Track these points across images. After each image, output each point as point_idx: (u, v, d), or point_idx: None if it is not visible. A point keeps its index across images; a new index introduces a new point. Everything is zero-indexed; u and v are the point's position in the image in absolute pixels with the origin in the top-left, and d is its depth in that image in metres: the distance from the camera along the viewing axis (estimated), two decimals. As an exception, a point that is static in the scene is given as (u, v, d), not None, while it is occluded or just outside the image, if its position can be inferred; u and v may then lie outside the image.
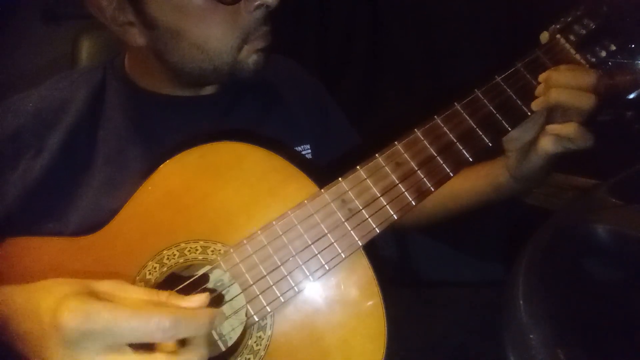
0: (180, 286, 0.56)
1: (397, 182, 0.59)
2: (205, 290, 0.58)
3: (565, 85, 0.62)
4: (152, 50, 0.68)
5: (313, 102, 0.87)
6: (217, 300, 0.57)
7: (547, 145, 0.65)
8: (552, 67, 0.65)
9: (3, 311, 0.47)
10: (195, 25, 0.64)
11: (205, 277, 0.58)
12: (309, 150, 0.81)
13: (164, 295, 0.47)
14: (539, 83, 0.65)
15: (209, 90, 0.77)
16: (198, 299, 0.47)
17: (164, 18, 0.63)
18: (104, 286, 0.47)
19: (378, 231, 0.58)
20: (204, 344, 0.47)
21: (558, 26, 0.70)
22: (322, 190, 0.58)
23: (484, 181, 0.76)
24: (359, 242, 0.57)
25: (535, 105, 0.64)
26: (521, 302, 0.55)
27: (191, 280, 0.57)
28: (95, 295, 0.45)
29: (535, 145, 0.66)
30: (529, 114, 0.65)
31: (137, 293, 0.46)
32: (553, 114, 0.65)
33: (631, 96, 0.68)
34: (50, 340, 0.43)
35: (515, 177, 0.72)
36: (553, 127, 0.63)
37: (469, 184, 0.78)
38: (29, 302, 0.46)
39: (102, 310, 0.42)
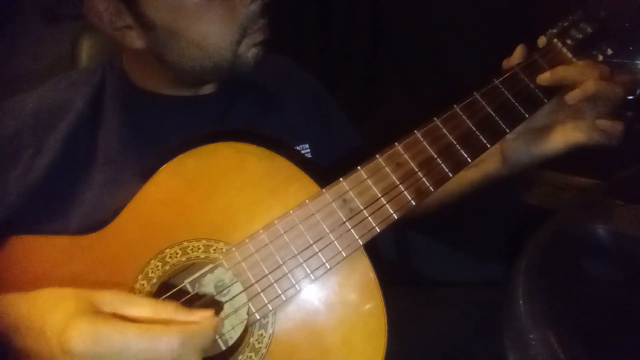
0: (173, 290, 0.56)
1: (397, 182, 0.59)
2: (202, 295, 0.58)
3: (598, 77, 0.63)
4: (151, 52, 0.68)
5: (311, 101, 0.88)
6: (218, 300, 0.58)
7: (589, 136, 0.65)
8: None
9: (4, 322, 0.47)
10: (193, 23, 0.64)
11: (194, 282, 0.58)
12: (308, 150, 0.82)
13: (171, 308, 0.46)
14: (537, 86, 0.67)
15: (207, 89, 0.77)
16: (204, 314, 0.47)
17: (162, 18, 0.64)
18: (107, 298, 0.46)
19: (378, 230, 0.58)
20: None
21: (555, 30, 0.71)
22: (324, 190, 0.58)
23: (474, 170, 0.77)
24: (359, 241, 0.57)
25: (571, 98, 0.64)
26: (521, 302, 0.56)
27: (196, 276, 0.57)
28: (99, 311, 0.45)
29: (562, 135, 0.67)
30: (527, 116, 0.66)
31: (142, 307, 0.46)
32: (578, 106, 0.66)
33: (631, 96, 0.68)
34: None
35: (510, 161, 0.73)
36: (604, 123, 0.65)
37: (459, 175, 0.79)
38: (31, 316, 0.46)
39: (112, 333, 0.42)
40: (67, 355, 0.42)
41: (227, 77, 0.71)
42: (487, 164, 0.76)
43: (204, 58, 0.67)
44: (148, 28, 0.65)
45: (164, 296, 0.56)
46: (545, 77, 0.66)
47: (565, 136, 0.67)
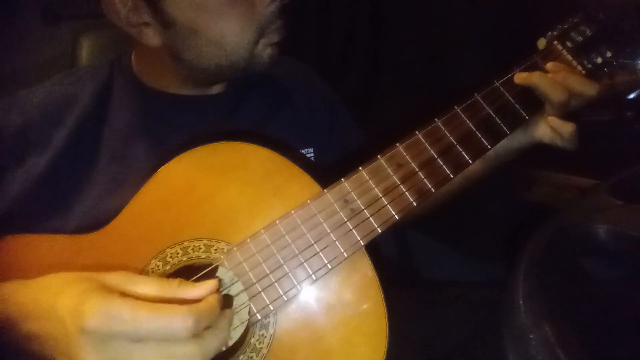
0: (192, 279, 0.56)
1: (399, 182, 0.60)
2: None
3: (549, 73, 0.66)
4: (168, 49, 0.68)
5: (323, 108, 0.88)
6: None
7: (543, 133, 0.69)
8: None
9: (7, 310, 0.47)
10: (213, 21, 0.64)
11: (214, 271, 0.58)
12: (312, 154, 0.82)
13: (174, 283, 0.47)
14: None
15: (216, 89, 0.77)
16: (209, 285, 0.48)
17: (182, 16, 0.64)
18: (113, 279, 0.46)
19: (380, 231, 0.58)
20: (227, 327, 0.48)
21: (555, 32, 0.72)
22: (325, 190, 0.59)
23: None
24: (360, 241, 0.58)
25: (517, 78, 0.67)
26: (521, 302, 0.56)
27: (202, 273, 0.57)
28: (109, 290, 0.45)
29: (524, 128, 0.70)
30: (527, 118, 0.67)
31: (148, 285, 0.46)
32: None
33: (631, 96, 0.69)
34: (78, 341, 0.43)
35: (485, 158, 0.73)
36: (554, 120, 0.67)
37: None
38: (38, 301, 0.46)
39: (124, 310, 0.42)
40: (82, 333, 0.42)
41: (241, 76, 0.72)
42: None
43: (221, 57, 0.67)
44: (167, 25, 0.65)
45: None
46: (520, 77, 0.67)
47: (525, 131, 0.70)
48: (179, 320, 0.43)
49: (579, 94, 0.66)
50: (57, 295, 0.45)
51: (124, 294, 0.45)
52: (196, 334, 0.44)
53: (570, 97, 0.65)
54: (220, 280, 0.58)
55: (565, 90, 0.65)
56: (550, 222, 0.63)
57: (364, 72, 1.41)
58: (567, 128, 0.66)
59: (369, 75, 1.42)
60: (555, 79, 0.65)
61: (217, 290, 0.49)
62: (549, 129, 0.68)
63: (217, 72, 0.69)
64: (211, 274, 0.58)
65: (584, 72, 0.69)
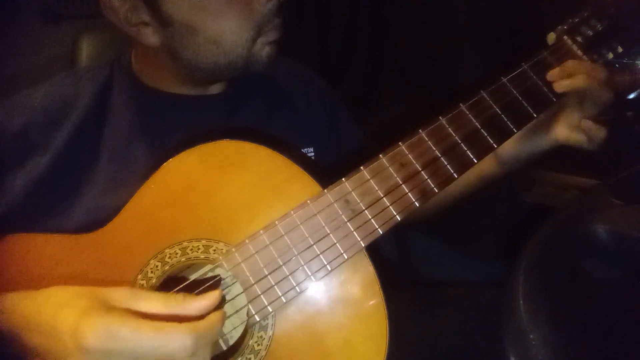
0: (194, 292, 0.56)
1: (401, 182, 0.59)
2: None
3: (591, 75, 0.64)
4: (166, 49, 0.68)
5: (323, 108, 0.88)
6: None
7: (568, 136, 0.67)
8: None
9: (11, 321, 0.47)
10: (211, 19, 0.65)
11: (214, 278, 0.58)
12: (312, 154, 0.82)
13: (179, 298, 0.47)
14: (546, 84, 0.66)
15: (215, 89, 0.77)
16: (212, 297, 0.48)
17: (180, 15, 0.64)
18: (117, 295, 0.46)
19: (381, 232, 0.58)
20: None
21: (565, 27, 0.70)
22: (325, 190, 0.58)
23: (469, 171, 0.78)
24: (361, 242, 0.57)
25: (559, 87, 0.65)
26: (521, 302, 0.55)
27: (206, 279, 0.57)
28: (112, 307, 0.45)
29: (546, 131, 0.69)
30: (535, 115, 0.65)
31: (152, 301, 0.46)
32: (566, 102, 0.67)
33: (631, 96, 0.68)
34: (76, 358, 0.43)
35: (503, 160, 0.73)
36: (589, 124, 0.66)
37: None
38: (42, 314, 0.46)
39: (124, 329, 0.43)
40: (81, 352, 0.42)
41: (239, 75, 0.72)
42: (482, 165, 0.77)
43: (220, 55, 0.67)
44: (165, 24, 0.65)
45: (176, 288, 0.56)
46: (554, 72, 0.66)
47: (548, 134, 0.69)
48: (179, 340, 0.43)
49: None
50: (60, 310, 0.45)
51: (128, 311, 0.45)
52: (195, 353, 0.44)
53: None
54: (220, 284, 0.58)
55: (610, 88, 0.64)
56: (550, 222, 0.63)
57: (364, 72, 1.41)
58: (601, 133, 0.66)
59: (369, 75, 1.41)
60: (601, 78, 0.64)
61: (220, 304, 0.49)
62: (575, 132, 0.67)
63: (215, 71, 0.69)
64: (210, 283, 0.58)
65: None
